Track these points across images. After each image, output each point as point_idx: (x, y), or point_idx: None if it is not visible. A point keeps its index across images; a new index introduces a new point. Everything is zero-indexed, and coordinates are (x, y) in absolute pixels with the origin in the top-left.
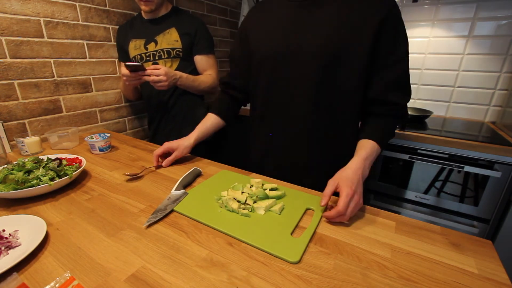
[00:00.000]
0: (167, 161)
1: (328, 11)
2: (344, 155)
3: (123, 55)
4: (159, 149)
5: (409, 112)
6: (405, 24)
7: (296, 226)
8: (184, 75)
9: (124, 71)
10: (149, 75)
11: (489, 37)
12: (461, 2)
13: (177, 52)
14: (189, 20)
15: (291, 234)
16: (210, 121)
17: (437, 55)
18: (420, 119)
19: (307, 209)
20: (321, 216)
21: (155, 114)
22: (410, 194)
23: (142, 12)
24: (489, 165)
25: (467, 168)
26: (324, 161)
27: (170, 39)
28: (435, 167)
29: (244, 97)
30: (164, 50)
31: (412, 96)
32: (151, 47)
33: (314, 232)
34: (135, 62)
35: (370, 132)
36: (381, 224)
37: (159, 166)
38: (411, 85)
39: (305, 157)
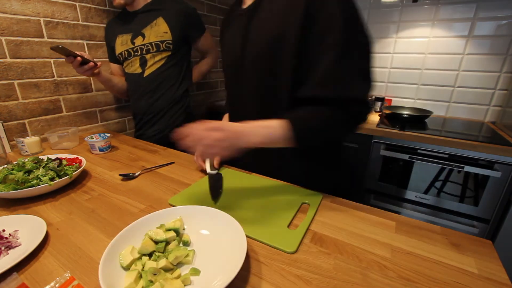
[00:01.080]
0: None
1: (263, 13)
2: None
3: (112, 54)
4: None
5: (409, 112)
6: (405, 24)
7: (292, 219)
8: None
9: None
10: (91, 63)
11: (489, 37)
12: (461, 2)
13: (167, 45)
14: (175, 5)
15: (288, 226)
16: None
17: (437, 55)
18: (420, 119)
19: (302, 203)
20: (317, 210)
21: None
22: (410, 194)
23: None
24: (489, 165)
25: (467, 168)
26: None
27: (159, 31)
28: (435, 167)
29: None
30: (153, 43)
31: (412, 96)
32: (138, 41)
33: (310, 224)
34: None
35: (296, 118)
36: (381, 224)
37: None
38: (411, 85)
39: (279, 158)
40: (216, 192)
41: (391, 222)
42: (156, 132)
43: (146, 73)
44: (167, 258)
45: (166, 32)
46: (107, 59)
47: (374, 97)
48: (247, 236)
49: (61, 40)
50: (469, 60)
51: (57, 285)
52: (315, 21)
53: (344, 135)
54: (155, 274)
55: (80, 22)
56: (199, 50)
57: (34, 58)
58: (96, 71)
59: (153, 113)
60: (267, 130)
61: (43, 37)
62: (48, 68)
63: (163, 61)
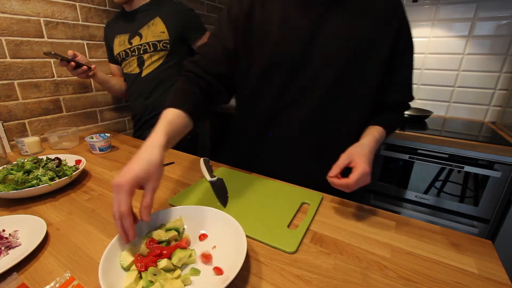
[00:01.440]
0: (146, 210)
1: (343, 15)
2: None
3: (111, 55)
4: (124, 202)
5: (409, 112)
6: None
7: (292, 219)
8: None
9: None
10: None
11: (489, 37)
12: (461, 2)
13: (164, 45)
14: (173, 6)
15: (288, 226)
16: (179, 121)
17: (437, 55)
18: (420, 119)
19: (302, 203)
20: (317, 210)
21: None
22: (410, 194)
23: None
24: (489, 165)
25: (467, 168)
26: (322, 166)
27: (156, 31)
28: (435, 167)
29: (218, 92)
30: (150, 43)
31: None
32: (136, 41)
33: (310, 224)
34: (70, 56)
35: (378, 120)
36: (381, 224)
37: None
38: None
39: (302, 160)
40: (224, 198)
41: (391, 222)
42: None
43: (144, 73)
44: (168, 259)
45: (163, 32)
46: (107, 60)
47: None
48: (247, 236)
49: (61, 40)
50: (469, 60)
51: (57, 285)
52: (400, 39)
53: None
54: (155, 275)
55: (80, 22)
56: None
57: (34, 58)
58: (90, 73)
59: (151, 113)
60: (378, 145)
61: (43, 37)
62: (48, 68)
63: (160, 61)
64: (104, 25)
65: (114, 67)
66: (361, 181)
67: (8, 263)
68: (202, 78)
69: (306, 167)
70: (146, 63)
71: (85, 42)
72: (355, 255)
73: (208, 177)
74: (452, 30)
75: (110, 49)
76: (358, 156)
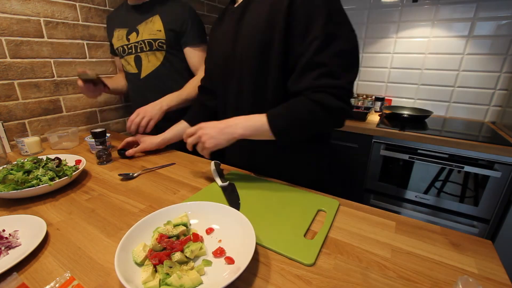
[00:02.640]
0: (132, 151)
1: (252, 11)
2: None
3: (112, 48)
4: (131, 137)
5: (409, 112)
6: (405, 24)
7: (308, 228)
8: (167, 99)
9: (79, 82)
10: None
11: (489, 37)
12: (461, 2)
13: (160, 44)
14: (176, 6)
15: (304, 236)
16: (180, 126)
17: (437, 55)
18: (420, 119)
19: (318, 210)
20: (334, 216)
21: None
22: (410, 194)
23: None
24: (489, 165)
25: (467, 168)
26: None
27: (152, 28)
28: (435, 167)
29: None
30: (145, 41)
31: (412, 96)
32: (133, 37)
33: (328, 233)
34: (91, 76)
35: (274, 113)
36: (381, 224)
37: (122, 152)
38: (411, 85)
39: (256, 150)
40: (236, 204)
41: (391, 222)
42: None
43: (143, 74)
44: (181, 252)
45: (160, 31)
46: (107, 59)
47: (374, 97)
48: (262, 246)
49: (61, 40)
50: (469, 60)
51: (57, 285)
52: (298, 15)
53: (324, 130)
54: (170, 267)
55: (80, 22)
56: (189, 63)
57: (34, 58)
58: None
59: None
60: (248, 123)
61: (43, 37)
62: (48, 68)
63: (159, 62)
64: (104, 25)
65: (117, 59)
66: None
67: (8, 263)
68: (206, 100)
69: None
70: (144, 63)
71: (85, 42)
72: (355, 255)
73: (219, 182)
74: (452, 30)
75: (110, 42)
76: (200, 132)
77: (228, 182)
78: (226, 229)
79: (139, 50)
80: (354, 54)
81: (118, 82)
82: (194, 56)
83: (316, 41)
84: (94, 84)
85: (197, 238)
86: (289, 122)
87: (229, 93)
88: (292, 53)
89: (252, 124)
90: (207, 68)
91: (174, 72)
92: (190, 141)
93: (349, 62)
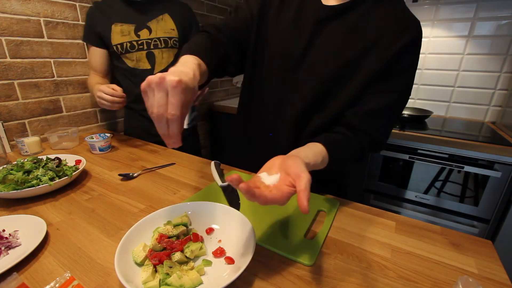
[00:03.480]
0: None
1: (348, 21)
2: None
3: (94, 38)
4: (178, 103)
5: (409, 113)
6: None
7: (309, 228)
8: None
9: (115, 91)
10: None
11: (489, 37)
12: (461, 2)
13: (174, 42)
14: (180, 6)
15: (304, 236)
16: (195, 62)
17: (437, 55)
18: (420, 119)
19: (319, 211)
20: (334, 216)
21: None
22: (410, 194)
23: None
24: (489, 165)
25: (467, 168)
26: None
27: (166, 27)
28: (435, 167)
29: (230, 60)
30: (161, 39)
31: (412, 96)
32: (144, 34)
33: (327, 234)
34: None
35: (324, 139)
36: (381, 224)
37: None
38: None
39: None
40: (236, 204)
41: (391, 222)
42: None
43: (157, 70)
44: (181, 252)
45: (173, 29)
46: None
47: None
48: (263, 247)
49: (61, 40)
50: (469, 60)
51: (57, 285)
52: (394, 63)
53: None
54: (170, 267)
55: (80, 22)
56: None
57: (34, 58)
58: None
59: None
60: (317, 160)
61: (43, 37)
62: (48, 68)
63: (172, 58)
64: None
65: (100, 53)
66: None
67: (8, 263)
68: (219, 39)
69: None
70: (158, 60)
71: (85, 42)
72: (355, 255)
73: (219, 182)
74: (452, 30)
75: (97, 34)
76: (293, 168)
77: (228, 182)
78: (226, 229)
79: (152, 47)
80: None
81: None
82: None
83: (395, 94)
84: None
85: (197, 238)
86: (340, 158)
87: (281, 99)
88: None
89: (320, 159)
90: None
91: None
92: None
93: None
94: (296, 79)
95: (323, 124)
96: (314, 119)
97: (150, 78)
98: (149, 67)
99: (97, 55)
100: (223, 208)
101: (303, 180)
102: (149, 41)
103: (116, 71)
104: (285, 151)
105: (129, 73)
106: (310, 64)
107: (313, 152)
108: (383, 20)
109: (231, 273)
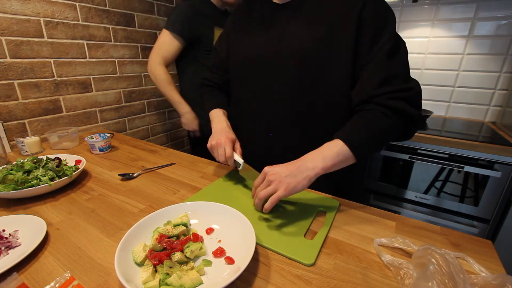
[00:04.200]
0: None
1: (307, 9)
2: None
3: (186, 32)
4: (229, 149)
5: None
6: (405, 24)
7: (308, 228)
8: None
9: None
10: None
11: (489, 37)
12: (461, 2)
13: None
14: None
15: (304, 235)
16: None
17: (437, 55)
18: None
19: (318, 211)
20: (334, 216)
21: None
22: (410, 194)
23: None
24: (489, 165)
25: (467, 168)
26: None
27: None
28: (435, 167)
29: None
30: None
31: None
32: None
33: (328, 233)
34: None
35: (345, 134)
36: (381, 224)
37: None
38: None
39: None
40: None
41: (391, 222)
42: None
43: None
44: (181, 252)
45: None
46: (107, 59)
47: None
48: (263, 246)
49: (61, 40)
50: (469, 60)
51: (57, 285)
52: (368, 21)
53: (396, 140)
54: (170, 267)
55: (80, 22)
56: None
57: (34, 58)
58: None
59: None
60: (325, 154)
61: (43, 37)
62: (48, 68)
63: None
64: (104, 25)
65: (178, 45)
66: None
67: (8, 263)
68: (221, 79)
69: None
70: None
71: (85, 42)
72: (355, 255)
73: (240, 160)
74: (452, 30)
75: (194, 34)
76: (271, 176)
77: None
78: (226, 229)
79: None
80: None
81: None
82: None
83: (387, 46)
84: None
85: (197, 238)
86: (368, 139)
87: (263, 96)
88: (357, 61)
89: (329, 154)
90: (235, 60)
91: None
92: (265, 193)
93: (408, 70)
94: (274, 71)
95: (319, 121)
96: (304, 113)
97: (212, 143)
98: None
99: (175, 46)
100: (223, 208)
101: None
102: None
103: (195, 65)
104: (281, 146)
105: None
106: (279, 61)
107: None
108: None
109: (231, 273)
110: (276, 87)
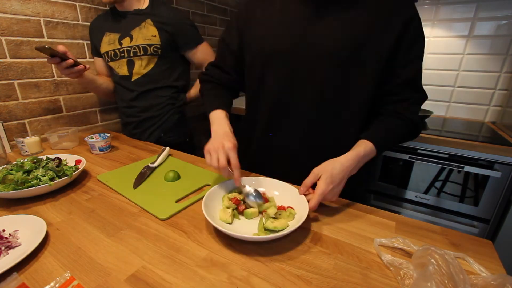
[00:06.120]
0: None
1: (345, 7)
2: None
3: (93, 49)
4: (223, 159)
5: None
6: None
7: (185, 196)
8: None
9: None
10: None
11: (489, 37)
12: (461, 2)
13: (155, 49)
14: (168, 12)
15: (177, 201)
16: (226, 114)
17: (437, 55)
18: (420, 119)
19: (205, 185)
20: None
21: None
22: (410, 194)
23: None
24: (489, 165)
25: (467, 168)
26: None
27: (147, 34)
28: (435, 167)
29: (235, 90)
30: (140, 46)
31: None
32: (126, 42)
33: (195, 202)
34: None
35: (372, 134)
36: (381, 224)
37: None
38: None
39: (306, 157)
40: (138, 183)
41: (391, 222)
42: (148, 135)
43: (134, 77)
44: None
45: (155, 36)
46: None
47: None
48: (137, 205)
49: (61, 40)
50: (469, 60)
51: (57, 285)
52: (408, 31)
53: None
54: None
55: (80, 22)
56: (192, 62)
57: (34, 58)
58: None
59: (141, 116)
60: (363, 162)
61: (43, 37)
62: (48, 68)
63: (151, 65)
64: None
65: (100, 61)
66: (327, 198)
67: (8, 263)
68: (226, 78)
69: (305, 167)
70: (136, 67)
71: (85, 42)
72: (355, 255)
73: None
74: (452, 30)
75: (94, 45)
76: (325, 175)
77: (156, 165)
78: (285, 197)
79: (132, 55)
80: None
81: (97, 78)
82: (198, 56)
83: (418, 61)
84: (61, 59)
85: (266, 200)
86: (390, 143)
87: (288, 93)
88: (391, 63)
89: (366, 160)
90: (254, 52)
91: (166, 74)
92: (317, 200)
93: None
94: (298, 72)
95: (341, 118)
96: (329, 110)
97: (212, 146)
98: (127, 74)
99: (99, 63)
100: (276, 182)
101: (314, 196)
102: (129, 48)
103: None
104: (295, 150)
105: (116, 80)
106: (312, 55)
107: (358, 149)
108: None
109: (293, 222)
110: (305, 84)
